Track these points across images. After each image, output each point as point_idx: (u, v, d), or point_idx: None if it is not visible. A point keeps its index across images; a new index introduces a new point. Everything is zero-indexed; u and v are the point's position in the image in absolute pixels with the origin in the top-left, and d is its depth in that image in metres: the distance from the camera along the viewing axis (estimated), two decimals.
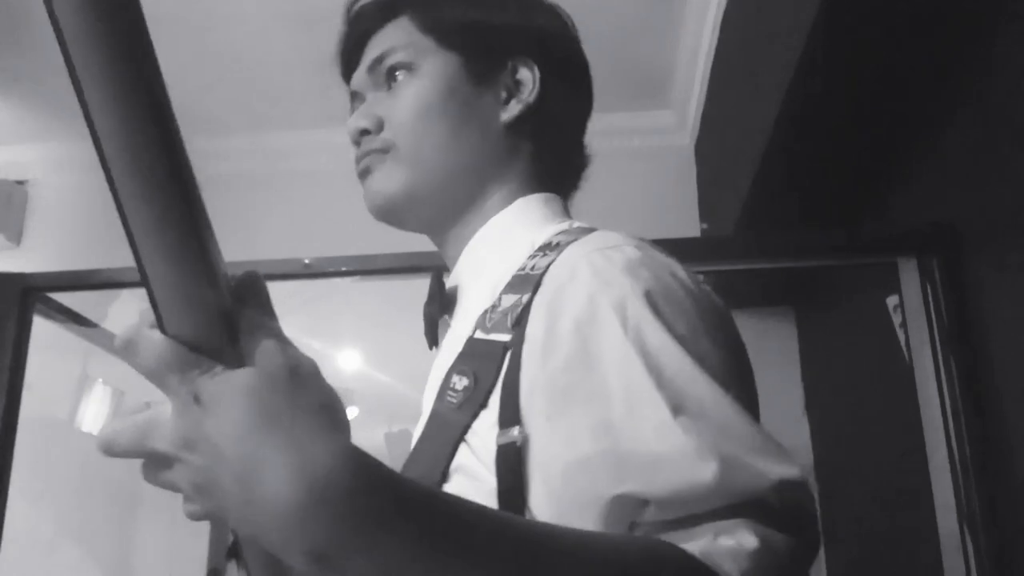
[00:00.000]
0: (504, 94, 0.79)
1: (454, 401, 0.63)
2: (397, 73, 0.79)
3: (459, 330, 0.72)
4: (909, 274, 1.51)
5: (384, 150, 0.78)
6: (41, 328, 1.68)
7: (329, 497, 0.37)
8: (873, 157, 1.66)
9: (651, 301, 0.57)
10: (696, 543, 0.47)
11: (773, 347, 2.42)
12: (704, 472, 0.49)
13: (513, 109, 0.79)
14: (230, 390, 0.39)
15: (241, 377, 0.40)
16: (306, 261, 1.63)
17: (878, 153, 1.64)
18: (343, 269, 1.65)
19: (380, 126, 0.78)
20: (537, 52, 0.80)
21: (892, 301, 1.61)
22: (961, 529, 1.36)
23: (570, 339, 0.58)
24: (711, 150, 2.41)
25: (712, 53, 2.19)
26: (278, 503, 0.37)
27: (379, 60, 0.80)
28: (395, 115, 0.78)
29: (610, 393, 0.54)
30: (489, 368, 0.62)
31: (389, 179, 0.77)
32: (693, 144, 2.60)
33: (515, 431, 0.58)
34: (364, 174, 0.79)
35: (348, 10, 0.87)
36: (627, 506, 0.50)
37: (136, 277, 0.41)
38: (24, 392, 1.61)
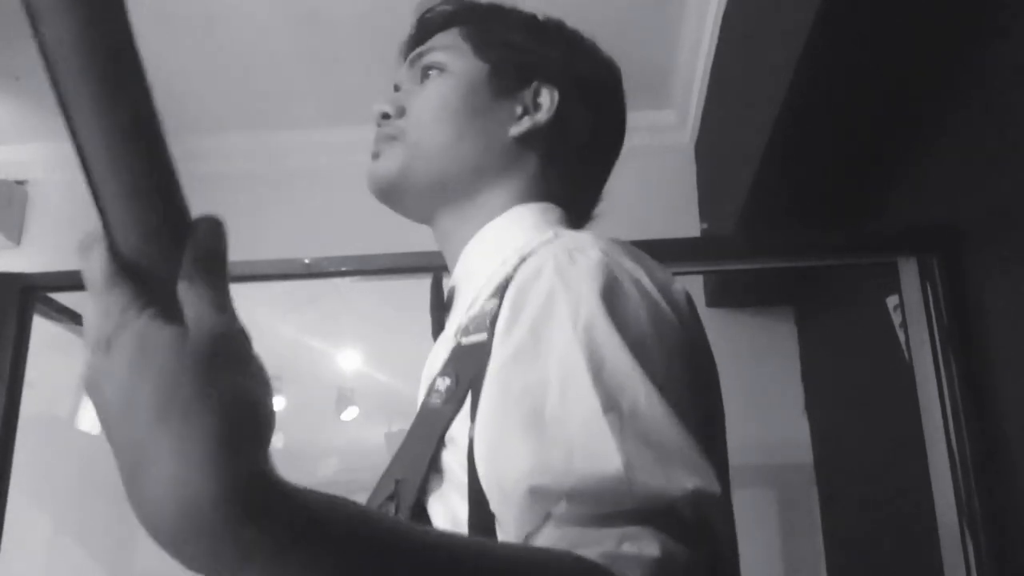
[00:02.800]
0: (520, 110, 0.82)
1: (437, 402, 0.65)
2: (431, 71, 0.83)
3: (449, 333, 0.74)
4: (909, 274, 1.51)
5: (394, 136, 0.82)
6: (41, 327, 1.68)
7: (202, 530, 0.35)
8: (873, 157, 1.66)
9: (606, 302, 0.58)
10: (600, 547, 0.47)
11: (773, 347, 2.42)
12: (613, 470, 0.49)
13: (523, 124, 0.82)
14: (146, 354, 0.37)
15: (162, 340, 0.37)
16: (306, 261, 1.63)
17: (878, 153, 1.64)
18: (343, 269, 1.64)
19: (400, 114, 0.83)
20: (564, 83, 0.83)
21: (892, 301, 1.61)
22: (961, 528, 1.36)
23: (524, 333, 0.59)
24: (711, 150, 2.41)
25: (712, 53, 2.19)
26: (154, 515, 0.35)
27: (419, 56, 0.85)
28: (415, 106, 0.83)
29: (548, 383, 0.55)
30: (467, 368, 0.64)
31: (389, 161, 0.82)
32: (693, 144, 2.60)
33: None
34: (373, 157, 0.83)
35: (417, 19, 0.92)
36: (541, 498, 0.51)
37: None
38: (24, 391, 1.61)
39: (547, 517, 0.50)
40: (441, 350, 0.71)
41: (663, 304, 0.62)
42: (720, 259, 1.70)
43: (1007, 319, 1.31)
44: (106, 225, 0.39)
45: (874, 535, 1.89)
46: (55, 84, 0.37)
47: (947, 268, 1.44)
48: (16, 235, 2.71)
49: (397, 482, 0.64)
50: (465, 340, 0.66)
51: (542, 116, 0.82)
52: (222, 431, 0.36)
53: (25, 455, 1.61)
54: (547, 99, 0.82)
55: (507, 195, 0.80)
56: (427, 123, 0.81)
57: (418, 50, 0.86)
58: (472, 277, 0.77)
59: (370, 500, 0.64)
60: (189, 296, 0.39)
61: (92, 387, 0.38)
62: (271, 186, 2.69)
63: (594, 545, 0.47)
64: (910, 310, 1.50)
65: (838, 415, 2.17)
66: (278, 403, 2.60)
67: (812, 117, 1.54)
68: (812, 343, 2.37)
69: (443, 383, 0.65)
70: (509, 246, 0.74)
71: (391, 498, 0.63)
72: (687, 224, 2.47)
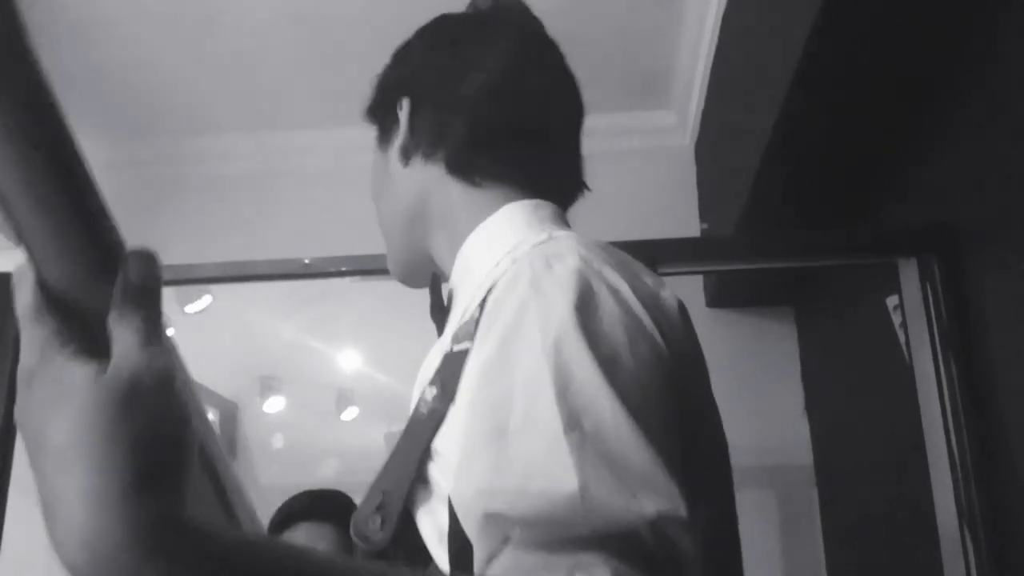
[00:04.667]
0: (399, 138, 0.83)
1: (424, 412, 0.64)
2: None
3: (445, 340, 0.73)
4: (909, 274, 1.51)
5: None
6: None
7: (111, 573, 0.35)
8: (873, 157, 1.66)
9: (579, 315, 0.56)
10: (551, 574, 0.46)
11: (773, 347, 2.42)
12: (568, 493, 0.48)
13: (395, 145, 0.81)
14: (60, 393, 0.37)
15: (77, 379, 0.37)
16: (306, 261, 1.63)
17: (878, 153, 1.64)
18: (343, 269, 1.64)
19: None
20: (409, 84, 0.83)
21: (892, 301, 1.61)
22: (961, 529, 1.36)
23: (494, 345, 0.58)
24: (711, 150, 2.41)
25: (712, 53, 2.19)
26: (67, 556, 0.36)
27: None
28: None
29: (513, 400, 0.54)
30: (453, 376, 0.63)
31: (388, 258, 0.87)
32: (693, 144, 2.60)
33: None
34: None
35: None
36: (498, 522, 0.50)
37: None
38: None
39: (506, 540, 0.49)
40: (434, 357, 0.70)
41: (643, 315, 0.60)
42: (720, 259, 1.70)
43: (1007, 319, 1.31)
44: (31, 257, 0.38)
45: (874, 535, 1.89)
46: None
47: (947, 268, 1.44)
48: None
49: (384, 493, 0.63)
50: (456, 347, 0.65)
51: (401, 126, 0.81)
52: (130, 475, 0.36)
53: (25, 455, 1.61)
54: (404, 109, 0.81)
55: (463, 208, 0.78)
56: (376, 210, 0.87)
57: None
58: (469, 278, 0.76)
59: (359, 510, 0.63)
60: (118, 330, 0.38)
61: (18, 422, 0.39)
62: (271, 186, 2.69)
63: (545, 572, 0.47)
64: (910, 310, 1.50)
65: (838, 415, 2.17)
66: (278, 403, 2.60)
67: (812, 117, 1.54)
68: (812, 343, 2.37)
69: (431, 392, 0.64)
70: (502, 247, 0.73)
71: (378, 509, 0.62)
72: (687, 224, 2.47)
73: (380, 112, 0.85)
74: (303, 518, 1.48)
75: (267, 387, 2.59)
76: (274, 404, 2.59)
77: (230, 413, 2.55)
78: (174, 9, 2.17)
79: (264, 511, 1.53)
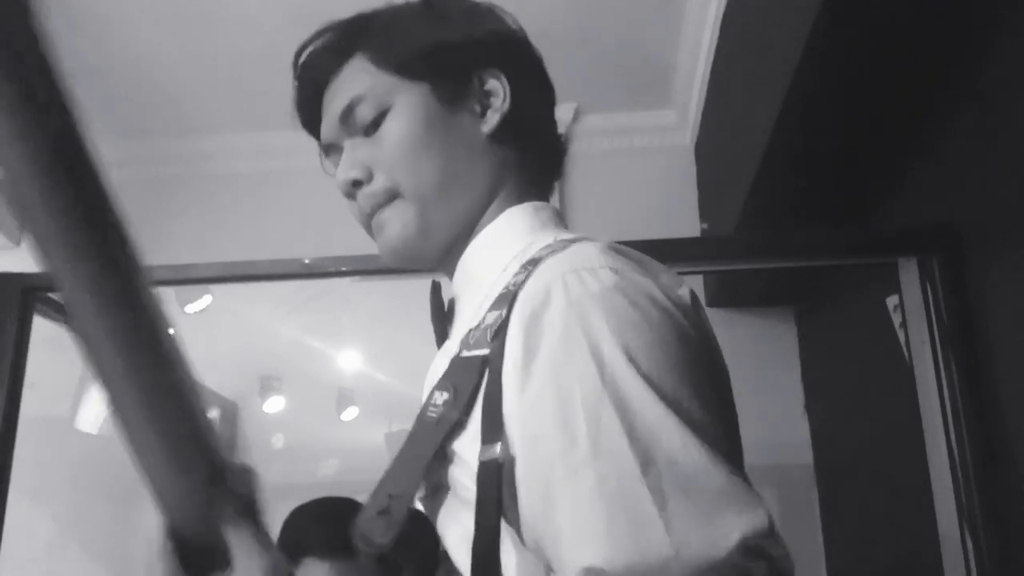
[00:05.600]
0: (478, 108, 0.78)
1: (434, 415, 0.63)
2: (377, 119, 0.77)
3: (450, 346, 0.72)
4: (909, 274, 1.51)
5: (388, 198, 0.77)
6: (42, 327, 1.68)
7: None
8: (873, 157, 1.66)
9: (625, 339, 0.57)
10: None
11: (773, 347, 2.42)
12: (658, 542, 0.49)
13: (492, 120, 0.77)
14: None
15: None
16: (306, 261, 1.63)
17: (878, 153, 1.64)
18: (343, 269, 1.65)
19: (370, 174, 0.77)
20: (498, 59, 0.79)
21: (892, 301, 1.61)
22: (961, 529, 1.36)
23: (545, 375, 0.58)
24: (711, 150, 2.41)
25: (712, 53, 2.19)
26: None
27: (349, 110, 0.78)
28: (383, 159, 0.77)
29: (577, 440, 0.54)
30: (468, 381, 0.62)
31: (403, 222, 0.76)
32: (693, 144, 2.60)
33: (497, 448, 0.58)
34: (379, 229, 0.78)
35: (297, 60, 0.87)
36: (594, 573, 0.51)
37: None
38: (25, 391, 1.61)
39: None
40: (442, 362, 0.70)
41: (680, 318, 0.61)
42: (720, 259, 1.70)
43: (1007, 319, 1.31)
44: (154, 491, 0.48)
45: (874, 535, 1.89)
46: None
47: (947, 268, 1.44)
48: (16, 235, 2.71)
49: (390, 497, 0.62)
50: (466, 353, 0.65)
51: (503, 104, 0.78)
52: None
53: (25, 455, 1.61)
54: (497, 86, 0.78)
55: (500, 197, 0.78)
56: (412, 168, 0.75)
57: (343, 104, 0.79)
58: (473, 285, 0.75)
59: (363, 513, 0.63)
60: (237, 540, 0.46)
61: None
62: (271, 186, 2.69)
63: None
64: (910, 310, 1.50)
65: (838, 415, 2.17)
66: (278, 403, 2.60)
67: (812, 117, 1.54)
68: (812, 343, 2.37)
69: (440, 397, 0.64)
70: (508, 252, 0.73)
71: (383, 513, 0.62)
72: (687, 224, 2.47)
73: (437, 71, 0.77)
74: (321, 554, 1.34)
75: (267, 387, 2.59)
76: (274, 404, 2.59)
77: (230, 413, 2.55)
78: (174, 8, 2.17)
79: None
